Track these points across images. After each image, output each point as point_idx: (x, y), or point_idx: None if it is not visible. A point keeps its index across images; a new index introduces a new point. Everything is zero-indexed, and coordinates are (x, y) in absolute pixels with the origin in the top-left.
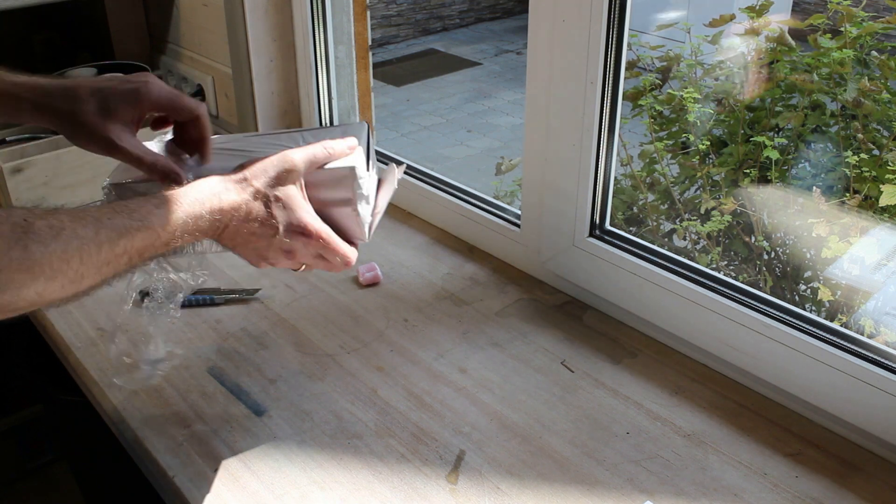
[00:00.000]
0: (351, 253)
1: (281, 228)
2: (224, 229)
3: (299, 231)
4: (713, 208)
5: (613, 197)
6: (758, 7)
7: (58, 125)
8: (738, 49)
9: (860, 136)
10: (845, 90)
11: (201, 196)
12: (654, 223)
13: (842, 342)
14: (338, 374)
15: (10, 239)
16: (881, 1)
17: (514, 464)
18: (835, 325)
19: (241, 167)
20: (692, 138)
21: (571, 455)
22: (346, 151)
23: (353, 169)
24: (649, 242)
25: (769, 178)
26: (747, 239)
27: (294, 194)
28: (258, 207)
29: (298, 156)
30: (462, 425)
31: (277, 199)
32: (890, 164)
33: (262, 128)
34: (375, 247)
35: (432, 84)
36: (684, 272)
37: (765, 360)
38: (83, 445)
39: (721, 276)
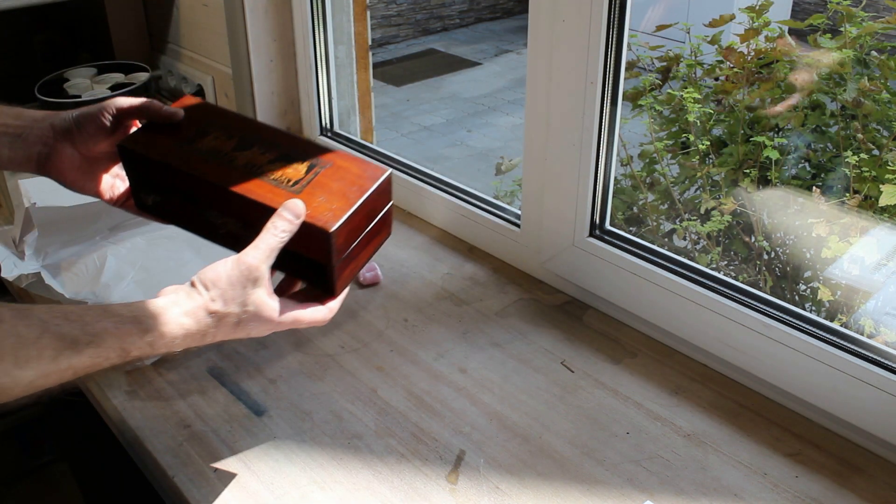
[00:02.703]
0: (324, 316)
1: (253, 333)
2: (186, 345)
3: (271, 330)
4: (713, 208)
5: (613, 197)
6: (758, 7)
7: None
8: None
9: (860, 136)
10: (845, 90)
11: (162, 322)
12: (654, 223)
13: (842, 342)
14: (338, 374)
15: None
16: (881, 1)
17: (514, 464)
18: (835, 325)
19: (197, 280)
20: (692, 138)
21: (571, 455)
22: (295, 224)
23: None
24: (649, 242)
25: (769, 178)
26: (747, 239)
27: (261, 302)
28: (225, 330)
29: (258, 258)
30: (462, 425)
31: (246, 313)
32: (890, 164)
33: None
34: None
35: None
36: (684, 272)
37: (765, 360)
38: (83, 445)
39: (721, 276)
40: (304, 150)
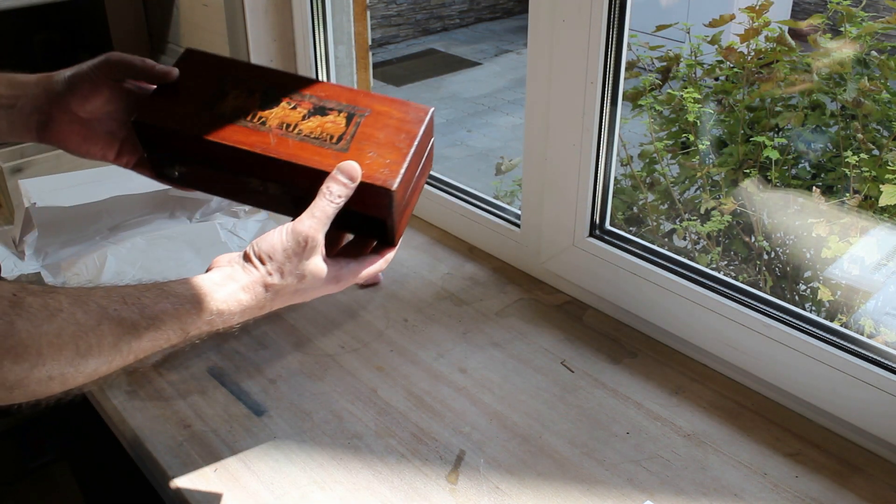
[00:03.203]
0: (380, 267)
1: (311, 297)
2: (244, 319)
3: (331, 292)
4: (713, 208)
5: (613, 197)
6: (758, 7)
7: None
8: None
9: (860, 136)
10: (845, 90)
11: (221, 300)
12: (654, 223)
13: (842, 342)
14: (338, 374)
15: None
16: (881, 1)
17: (514, 464)
18: (835, 325)
19: (252, 252)
20: (692, 138)
21: (571, 455)
22: (350, 188)
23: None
24: (649, 242)
25: (769, 178)
26: (747, 239)
27: (318, 269)
28: (283, 299)
29: (314, 227)
30: (462, 425)
31: (303, 282)
32: (890, 164)
33: None
34: None
35: (432, 84)
36: (684, 272)
37: (765, 360)
38: (83, 445)
39: (721, 276)
40: (336, 98)
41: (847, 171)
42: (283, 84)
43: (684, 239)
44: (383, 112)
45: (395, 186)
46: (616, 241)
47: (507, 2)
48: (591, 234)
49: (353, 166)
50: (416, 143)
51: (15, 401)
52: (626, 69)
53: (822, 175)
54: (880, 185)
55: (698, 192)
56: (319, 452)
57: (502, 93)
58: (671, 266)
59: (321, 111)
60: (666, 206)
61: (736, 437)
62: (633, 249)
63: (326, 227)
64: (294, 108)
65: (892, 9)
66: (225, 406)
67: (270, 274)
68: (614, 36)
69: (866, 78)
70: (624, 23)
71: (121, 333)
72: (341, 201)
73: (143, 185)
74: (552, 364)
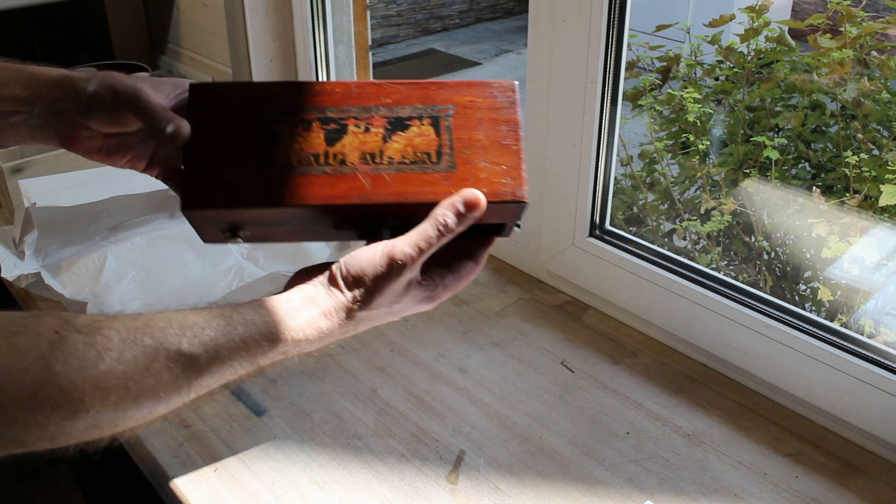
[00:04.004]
0: (475, 271)
1: (396, 319)
2: (321, 345)
3: (419, 311)
4: (713, 208)
5: (613, 197)
6: (758, 7)
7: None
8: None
9: (860, 136)
10: (845, 90)
11: (296, 329)
12: (654, 223)
13: (842, 342)
14: (338, 374)
15: (27, 355)
16: (881, 1)
17: (514, 464)
18: (835, 325)
19: (339, 274)
20: (692, 138)
21: (571, 455)
22: (470, 221)
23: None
24: (649, 242)
25: (769, 178)
26: (747, 239)
27: (413, 294)
28: (369, 324)
29: (410, 254)
30: (462, 425)
31: (393, 308)
32: (890, 164)
33: None
34: None
35: None
36: (684, 272)
37: (765, 360)
38: (83, 445)
39: (721, 276)
40: (406, 100)
41: (847, 171)
42: (333, 101)
43: (684, 239)
44: (467, 103)
45: (527, 196)
46: (616, 241)
47: (507, 2)
48: (591, 234)
49: (478, 197)
50: (521, 132)
51: (60, 446)
52: (626, 69)
53: (822, 175)
54: (880, 185)
55: (698, 192)
56: (319, 452)
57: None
58: (671, 266)
59: (399, 125)
60: (666, 206)
61: (736, 437)
62: (633, 249)
63: (426, 258)
64: (366, 129)
65: (892, 9)
66: (225, 406)
67: (357, 300)
68: (614, 36)
69: (866, 78)
70: (624, 23)
71: (179, 371)
72: (453, 235)
73: (143, 185)
74: (552, 364)
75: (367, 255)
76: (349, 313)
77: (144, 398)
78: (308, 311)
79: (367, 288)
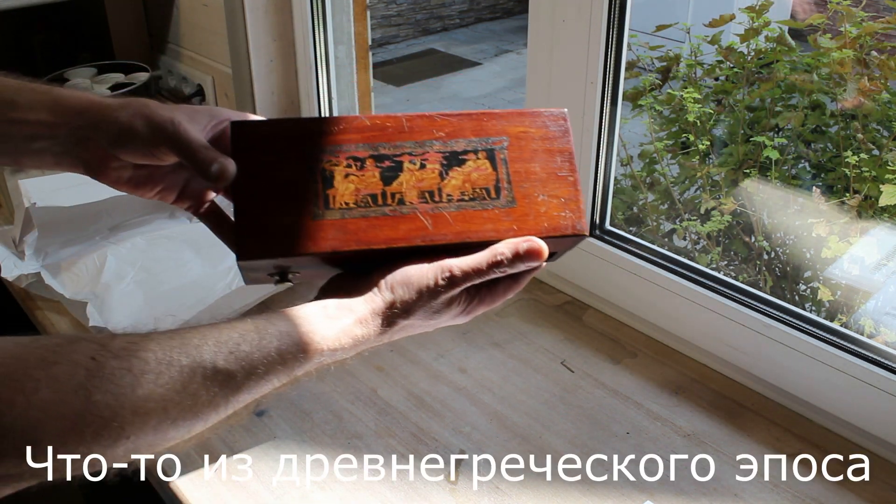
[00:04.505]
0: (510, 293)
1: (432, 329)
2: (356, 352)
3: (457, 323)
4: (713, 208)
5: (613, 197)
6: (758, 7)
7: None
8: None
9: (860, 136)
10: (845, 90)
11: (331, 338)
12: (654, 223)
13: (842, 342)
14: (338, 374)
15: (65, 385)
16: (881, 1)
17: (514, 464)
18: (835, 325)
19: (381, 279)
20: (692, 138)
21: (571, 455)
22: (530, 267)
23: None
24: (649, 242)
25: (769, 178)
26: (747, 239)
27: (450, 307)
28: (406, 332)
29: (464, 271)
30: (462, 425)
31: (430, 318)
32: (890, 164)
33: None
34: None
35: (432, 84)
36: (684, 272)
37: (765, 360)
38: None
39: (721, 276)
40: (460, 133)
41: (847, 171)
42: (385, 136)
43: (684, 239)
44: (521, 134)
45: (587, 229)
46: (616, 241)
47: (507, 2)
48: (592, 234)
49: (541, 250)
50: (576, 162)
51: (98, 469)
52: (626, 69)
53: (822, 175)
54: (880, 185)
55: (698, 192)
56: (319, 452)
57: (502, 93)
58: (671, 266)
59: (455, 160)
60: (666, 206)
61: (736, 437)
62: (633, 249)
63: (472, 284)
64: (422, 166)
65: (892, 9)
66: None
67: (395, 306)
68: (614, 36)
69: (866, 78)
70: (624, 23)
71: (217, 390)
72: (503, 274)
73: None
74: (552, 364)
75: (416, 265)
76: (386, 319)
77: (183, 419)
78: (343, 319)
79: (410, 297)
